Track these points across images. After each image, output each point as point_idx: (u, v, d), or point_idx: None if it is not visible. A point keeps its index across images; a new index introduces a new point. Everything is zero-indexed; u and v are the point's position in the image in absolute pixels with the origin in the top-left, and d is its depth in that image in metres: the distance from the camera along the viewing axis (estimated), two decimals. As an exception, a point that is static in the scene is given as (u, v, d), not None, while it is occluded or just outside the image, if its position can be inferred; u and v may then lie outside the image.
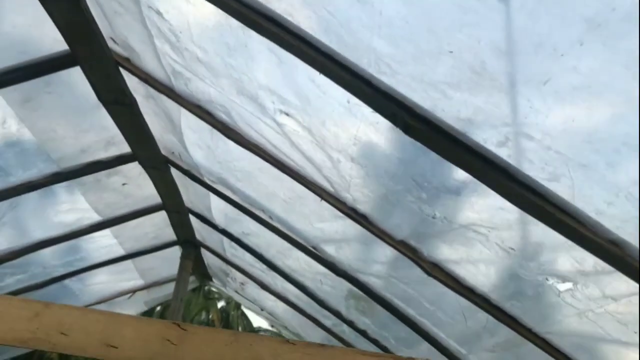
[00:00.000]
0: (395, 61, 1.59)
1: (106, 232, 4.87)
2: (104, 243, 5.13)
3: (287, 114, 2.30)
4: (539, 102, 1.51)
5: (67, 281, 5.51)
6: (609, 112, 1.44)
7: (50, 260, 5.13)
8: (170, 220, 5.01)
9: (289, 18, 1.77)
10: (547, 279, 2.13)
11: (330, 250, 3.71)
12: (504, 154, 1.69)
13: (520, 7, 1.31)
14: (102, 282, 6.02)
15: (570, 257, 1.89)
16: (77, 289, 5.90)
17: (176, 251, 5.68)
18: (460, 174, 1.92)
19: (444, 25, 1.40)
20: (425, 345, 3.83)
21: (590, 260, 1.81)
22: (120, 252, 5.34)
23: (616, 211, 1.61)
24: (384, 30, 1.50)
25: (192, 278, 6.27)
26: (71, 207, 4.30)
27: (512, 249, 2.17)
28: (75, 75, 2.97)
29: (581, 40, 1.29)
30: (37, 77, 2.97)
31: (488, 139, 1.69)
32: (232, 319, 48.73)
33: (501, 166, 1.72)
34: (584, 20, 1.27)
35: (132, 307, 6.69)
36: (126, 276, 5.98)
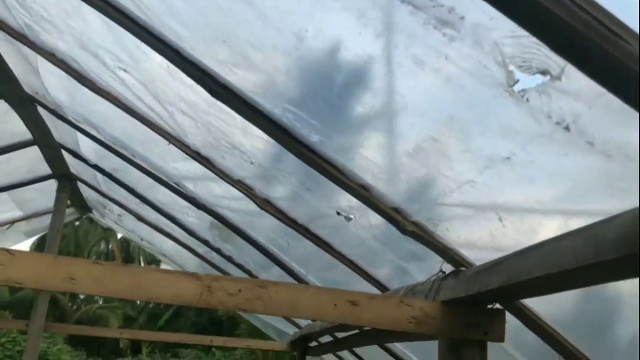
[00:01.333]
0: (192, 41, 1.99)
1: (-24, 167, 4.98)
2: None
3: (124, 70, 2.63)
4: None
5: None
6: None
7: None
8: (44, 155, 5.18)
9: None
10: (338, 213, 2.69)
11: (189, 186, 4.12)
12: (285, 118, 2.16)
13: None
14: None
15: (344, 198, 2.43)
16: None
17: (53, 184, 5.86)
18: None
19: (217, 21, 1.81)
20: (277, 269, 4.41)
21: (354, 200, 2.35)
22: (-8, 184, 5.46)
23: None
24: (177, 17, 1.89)
25: (71, 210, 6.49)
26: None
27: (309, 189, 2.71)
28: None
29: None
30: None
31: (274, 108, 2.15)
32: (132, 248, 48.04)
33: (284, 127, 2.19)
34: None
35: (12, 238, 6.83)
36: (3, 208, 6.10)
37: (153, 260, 49.52)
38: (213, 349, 33.16)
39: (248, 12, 1.73)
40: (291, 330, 5.97)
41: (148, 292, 1.94)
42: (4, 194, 5.72)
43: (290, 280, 4.30)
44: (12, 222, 6.43)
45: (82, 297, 36.81)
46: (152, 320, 35.73)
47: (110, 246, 41.73)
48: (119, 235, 40.76)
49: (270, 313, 2.00)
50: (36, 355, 5.51)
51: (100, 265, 1.93)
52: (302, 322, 5.28)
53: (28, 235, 6.97)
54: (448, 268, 2.30)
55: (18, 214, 6.40)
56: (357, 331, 3.98)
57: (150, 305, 40.85)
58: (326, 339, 5.19)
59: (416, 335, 2.45)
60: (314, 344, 5.66)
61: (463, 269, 2.20)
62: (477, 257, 2.13)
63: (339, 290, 2.09)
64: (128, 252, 45.87)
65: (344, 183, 2.23)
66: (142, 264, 46.87)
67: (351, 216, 2.65)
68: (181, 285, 1.96)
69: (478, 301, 2.09)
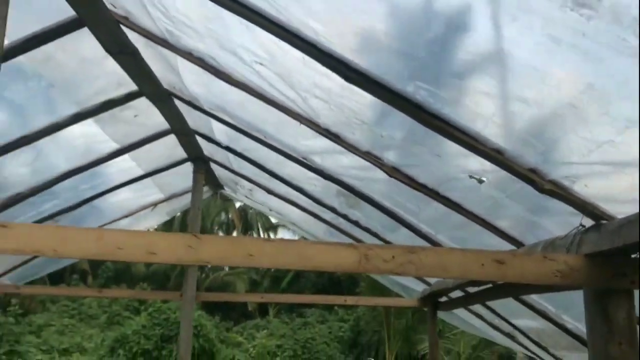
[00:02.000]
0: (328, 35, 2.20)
1: (125, 157, 5.58)
2: (125, 166, 5.86)
3: (261, 64, 2.90)
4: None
5: (95, 202, 6.30)
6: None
7: (80, 185, 5.88)
8: (180, 142, 5.69)
9: None
10: (470, 176, 2.83)
11: (317, 159, 4.40)
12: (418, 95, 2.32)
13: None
14: (127, 199, 6.84)
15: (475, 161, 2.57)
16: (105, 207, 6.71)
17: (189, 167, 6.42)
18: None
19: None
20: (404, 230, 4.62)
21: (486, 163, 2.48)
22: (139, 172, 6.09)
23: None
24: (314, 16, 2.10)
25: (205, 188, 7.07)
26: (94, 139, 4.99)
27: (439, 155, 2.87)
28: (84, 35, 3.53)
29: None
30: (54, 40, 3.53)
31: (406, 87, 2.31)
32: (250, 217, 50.21)
33: (415, 102, 2.36)
34: None
35: (155, 218, 7.57)
36: (147, 192, 6.78)
37: (270, 227, 51.66)
38: (335, 307, 34.41)
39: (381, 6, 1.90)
40: (419, 287, 6.19)
41: (313, 263, 2.21)
42: (148, 180, 6.35)
43: (420, 241, 4.49)
44: (156, 204, 7.12)
45: (209, 266, 39.45)
46: (275, 283, 37.61)
47: (230, 216, 44.06)
48: (237, 205, 42.87)
49: (422, 275, 2.20)
50: (190, 322, 6.16)
51: (271, 242, 2.23)
52: (432, 279, 5.48)
53: (169, 214, 7.70)
54: (587, 222, 2.38)
55: (160, 196, 7.07)
56: (489, 285, 4.12)
57: (272, 270, 42.86)
58: (456, 293, 5.36)
59: (558, 287, 2.57)
60: (444, 299, 5.85)
61: (604, 222, 2.28)
62: (618, 210, 2.20)
63: (484, 251, 2.25)
64: (246, 220, 48.19)
65: (477, 148, 2.36)
66: (260, 231, 49.12)
67: (483, 178, 2.78)
68: (341, 255, 2.21)
69: (623, 252, 2.17)
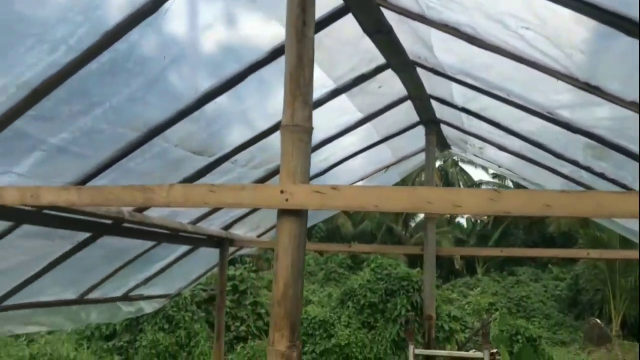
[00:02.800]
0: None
1: (367, 126, 6.13)
2: (364, 134, 6.44)
3: (527, 28, 3.08)
4: None
5: (337, 168, 7.00)
6: None
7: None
8: (415, 107, 6.07)
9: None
10: None
11: (564, 113, 4.43)
12: None
13: None
14: (360, 164, 7.48)
15: None
16: (343, 171, 7.40)
17: (419, 130, 6.79)
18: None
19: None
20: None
21: None
22: (377, 138, 6.63)
23: None
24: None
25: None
26: (344, 112, 5.60)
27: None
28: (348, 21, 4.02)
29: None
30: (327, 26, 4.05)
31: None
32: (451, 176, 49.79)
33: None
34: None
35: (387, 180, 8.14)
36: (382, 157, 7.34)
37: (472, 185, 50.65)
38: (550, 265, 33.00)
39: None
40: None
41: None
42: (383, 145, 6.88)
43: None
44: (388, 166, 7.67)
45: (412, 225, 40.32)
46: (482, 241, 37.12)
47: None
48: (437, 164, 42.93)
49: None
50: (434, 276, 6.54)
51: (566, 194, 2.45)
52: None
53: (400, 175, 8.23)
54: None
55: (391, 159, 7.60)
56: None
57: (478, 228, 42.29)
58: None
59: None
60: None
61: None
62: None
63: None
64: (447, 180, 47.93)
65: None
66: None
67: None
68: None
69: None
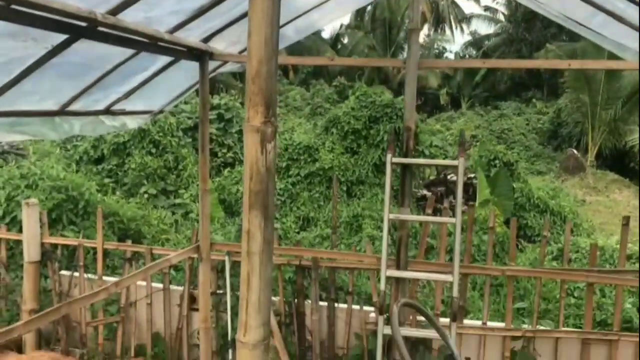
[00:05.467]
0: None
1: None
2: None
3: None
4: None
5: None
6: None
7: None
8: None
9: None
10: None
11: None
12: None
13: None
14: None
15: None
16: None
17: None
18: None
19: None
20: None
21: None
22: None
23: None
24: None
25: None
26: None
27: None
28: None
29: None
30: None
31: None
32: (442, 9, 48.30)
33: None
34: None
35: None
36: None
37: (463, 19, 49.34)
38: (534, 100, 33.33)
39: None
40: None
41: None
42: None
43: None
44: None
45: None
46: (469, 75, 36.98)
47: (420, 7, 42.70)
48: (431, -4, 41.43)
49: None
50: (414, 85, 6.51)
51: None
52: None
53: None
54: None
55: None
56: None
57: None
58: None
59: None
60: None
61: None
62: None
63: None
64: (438, 13, 46.45)
65: None
66: (452, 23, 47.30)
67: None
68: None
69: None
